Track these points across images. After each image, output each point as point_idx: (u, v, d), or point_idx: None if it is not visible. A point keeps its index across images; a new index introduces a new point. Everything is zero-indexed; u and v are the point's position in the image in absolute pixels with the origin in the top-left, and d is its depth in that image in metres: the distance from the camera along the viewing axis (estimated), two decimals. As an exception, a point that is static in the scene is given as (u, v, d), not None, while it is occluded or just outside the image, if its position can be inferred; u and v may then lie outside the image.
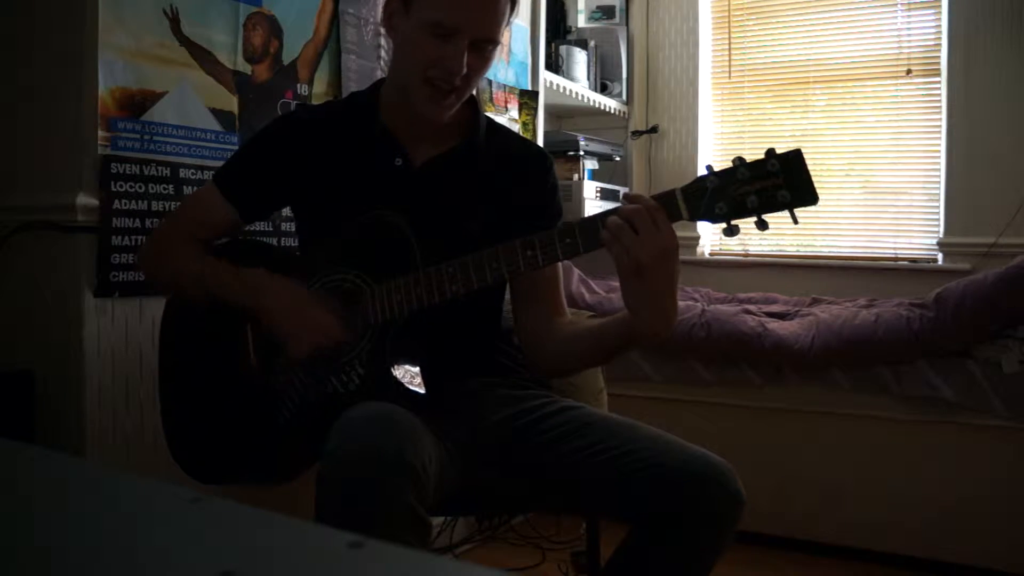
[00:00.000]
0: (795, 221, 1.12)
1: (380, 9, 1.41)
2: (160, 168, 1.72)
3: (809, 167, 1.11)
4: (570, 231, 1.19)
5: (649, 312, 1.19)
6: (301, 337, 1.29)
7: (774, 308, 2.82)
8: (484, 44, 1.32)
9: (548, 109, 3.09)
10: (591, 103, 3.24)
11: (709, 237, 3.46)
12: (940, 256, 3.10)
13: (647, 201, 1.15)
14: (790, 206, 1.11)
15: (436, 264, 1.26)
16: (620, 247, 1.14)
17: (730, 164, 1.14)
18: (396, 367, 1.30)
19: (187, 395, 1.46)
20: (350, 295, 1.32)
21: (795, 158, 1.11)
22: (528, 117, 2.81)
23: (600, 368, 1.77)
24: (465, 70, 1.30)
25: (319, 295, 1.33)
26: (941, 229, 3.09)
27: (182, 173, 1.75)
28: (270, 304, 1.32)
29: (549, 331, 1.42)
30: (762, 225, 1.13)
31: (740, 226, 1.14)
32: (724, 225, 1.14)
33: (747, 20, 3.47)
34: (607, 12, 3.42)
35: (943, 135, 3.06)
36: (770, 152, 1.12)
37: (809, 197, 1.11)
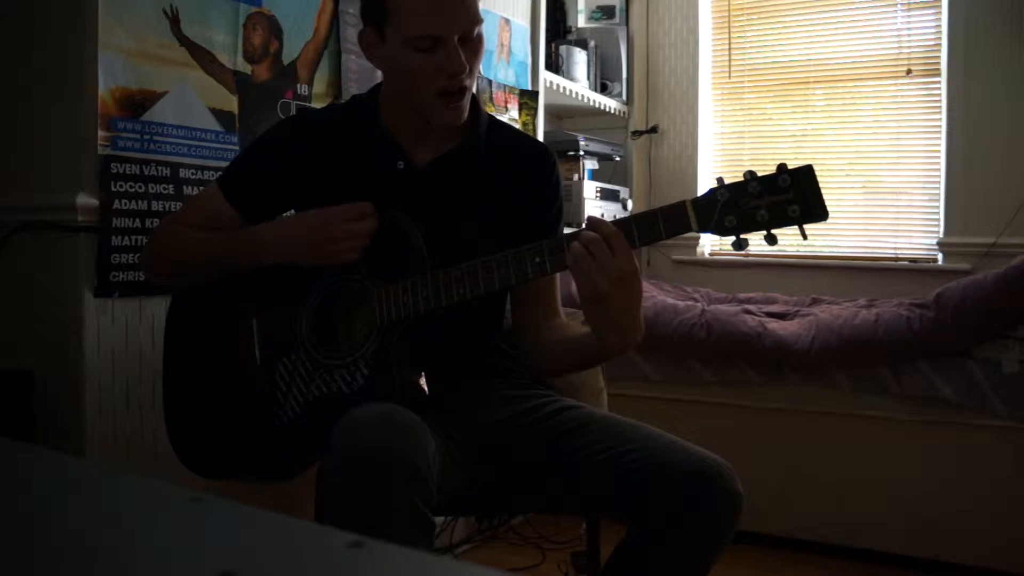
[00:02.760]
0: (804, 237, 1.13)
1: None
2: (160, 168, 1.72)
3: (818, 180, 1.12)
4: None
5: (612, 332, 1.22)
6: (347, 239, 1.29)
7: (774, 308, 2.82)
8: (470, 33, 1.31)
9: (548, 109, 3.09)
10: (591, 103, 3.24)
11: (709, 237, 3.46)
12: (940, 256, 3.10)
13: (605, 228, 1.16)
14: (800, 221, 1.12)
15: (443, 266, 1.26)
16: (581, 274, 1.16)
17: (739, 176, 1.15)
18: (400, 368, 1.30)
19: (191, 392, 1.46)
20: (356, 295, 1.32)
21: (806, 173, 1.12)
22: (528, 117, 2.81)
23: (600, 368, 1.77)
24: (467, 67, 1.31)
25: (316, 211, 1.33)
26: (941, 229, 3.09)
27: (182, 173, 1.75)
28: (291, 239, 1.33)
29: (541, 333, 1.43)
30: (771, 240, 1.14)
31: (748, 239, 1.15)
32: (733, 238, 1.15)
33: (747, 20, 3.47)
34: (607, 12, 3.42)
35: (943, 135, 3.06)
36: (781, 167, 1.13)
37: (819, 213, 1.11)
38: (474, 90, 1.40)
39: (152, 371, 1.64)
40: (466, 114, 1.37)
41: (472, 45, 1.32)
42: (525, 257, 1.22)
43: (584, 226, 1.19)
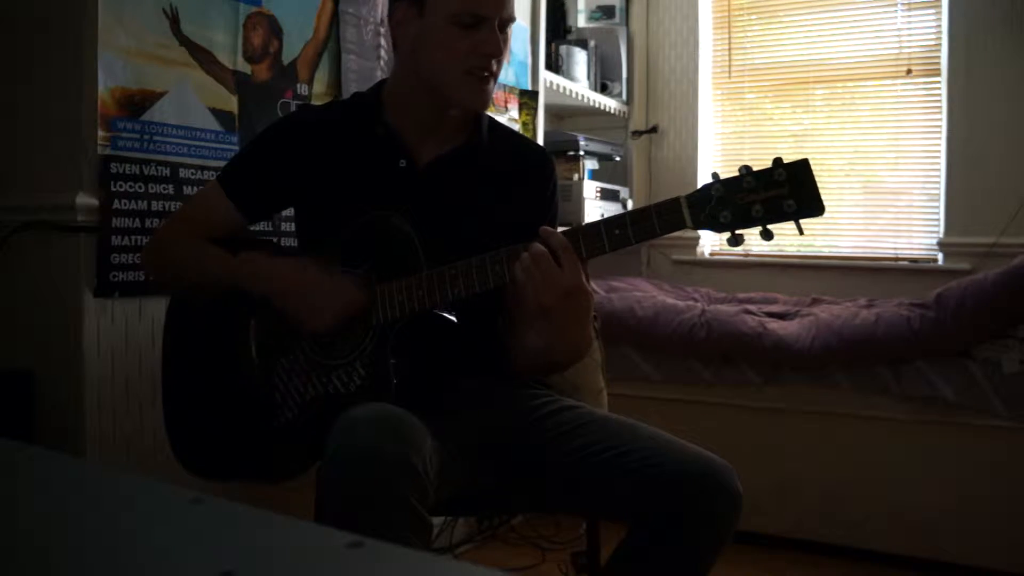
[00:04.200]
0: (800, 232, 1.12)
1: (384, 16, 1.42)
2: (160, 168, 1.72)
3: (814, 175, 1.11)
4: (574, 237, 1.20)
5: (560, 346, 1.24)
6: (322, 311, 1.28)
7: (774, 308, 2.82)
8: (506, 24, 1.34)
9: (548, 109, 3.08)
10: (591, 103, 3.24)
11: (709, 237, 3.46)
12: (940, 256, 3.10)
13: (555, 241, 1.16)
14: (796, 216, 1.11)
15: (439, 265, 1.26)
16: (528, 288, 1.16)
17: (736, 172, 1.14)
18: (397, 367, 1.30)
19: (190, 393, 1.46)
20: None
21: (802, 167, 1.11)
22: (528, 117, 2.81)
23: (600, 368, 1.77)
24: (501, 51, 1.33)
25: (325, 267, 1.32)
26: (941, 229, 3.09)
27: (182, 173, 1.75)
28: (281, 286, 1.32)
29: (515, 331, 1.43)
30: (767, 235, 1.13)
31: (744, 236, 1.15)
32: (728, 234, 1.14)
33: (747, 20, 3.47)
34: (607, 12, 3.42)
35: (943, 135, 3.06)
36: (777, 161, 1.11)
37: (815, 208, 1.10)
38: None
39: (152, 371, 1.64)
40: (490, 103, 1.38)
41: (505, 36, 1.34)
42: (519, 255, 1.22)
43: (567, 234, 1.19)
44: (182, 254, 1.43)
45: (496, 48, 1.31)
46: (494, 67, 1.33)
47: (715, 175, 1.15)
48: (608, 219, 1.19)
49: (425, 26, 1.33)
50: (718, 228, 1.14)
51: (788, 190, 1.10)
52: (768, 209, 1.11)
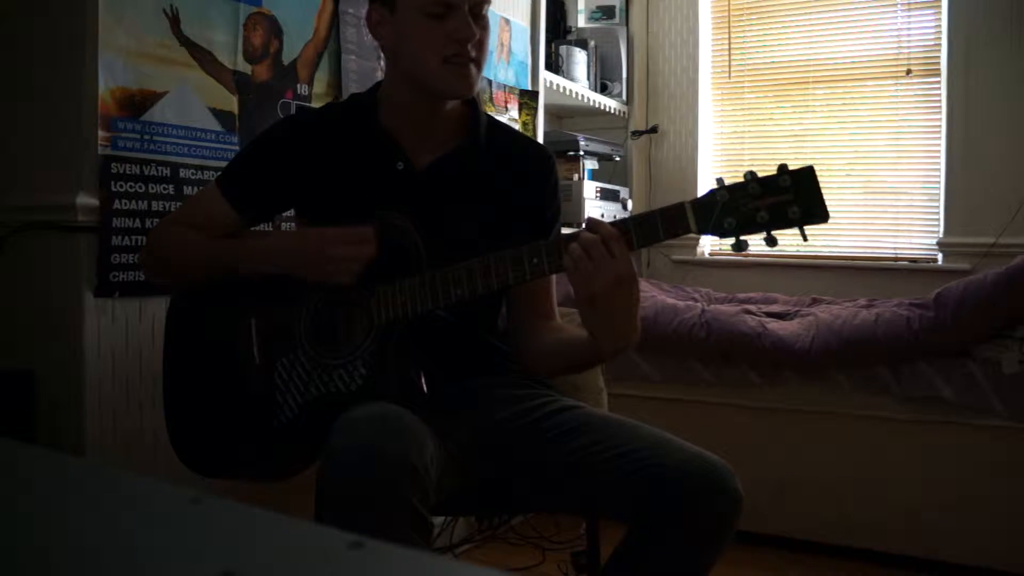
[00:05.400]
0: (804, 238, 1.12)
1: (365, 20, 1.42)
2: (160, 168, 1.72)
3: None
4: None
5: (607, 335, 1.22)
6: (339, 264, 1.28)
7: (774, 308, 2.82)
8: (480, 7, 1.33)
9: (548, 109, 3.09)
10: (591, 103, 3.24)
11: (710, 236, 3.46)
12: (940, 256, 3.10)
13: (604, 230, 1.16)
14: (800, 223, 1.11)
15: (441, 267, 1.26)
16: (579, 276, 1.16)
17: (739, 176, 1.14)
18: (398, 367, 1.30)
19: (190, 391, 1.46)
20: (356, 295, 1.32)
21: (807, 174, 1.11)
22: (528, 117, 2.81)
23: (600, 368, 1.77)
24: (476, 35, 1.32)
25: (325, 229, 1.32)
26: (941, 229, 3.09)
27: (182, 173, 1.75)
28: (288, 261, 1.32)
29: (535, 334, 1.44)
30: (771, 241, 1.13)
31: (748, 240, 1.15)
32: (733, 240, 1.14)
33: (747, 20, 3.47)
34: (607, 12, 3.42)
35: (943, 135, 3.06)
36: (782, 168, 1.12)
37: (820, 215, 1.10)
38: (481, 83, 1.41)
39: (152, 371, 1.64)
40: (475, 88, 1.38)
41: (481, 22, 1.34)
42: (523, 258, 1.22)
43: (584, 227, 1.19)
44: (183, 248, 1.43)
45: (468, 32, 1.31)
46: (472, 52, 1.33)
47: (719, 180, 1.16)
48: (613, 223, 1.19)
49: (398, 23, 1.33)
50: (722, 234, 1.14)
51: (793, 197, 1.11)
52: (773, 215, 1.12)
